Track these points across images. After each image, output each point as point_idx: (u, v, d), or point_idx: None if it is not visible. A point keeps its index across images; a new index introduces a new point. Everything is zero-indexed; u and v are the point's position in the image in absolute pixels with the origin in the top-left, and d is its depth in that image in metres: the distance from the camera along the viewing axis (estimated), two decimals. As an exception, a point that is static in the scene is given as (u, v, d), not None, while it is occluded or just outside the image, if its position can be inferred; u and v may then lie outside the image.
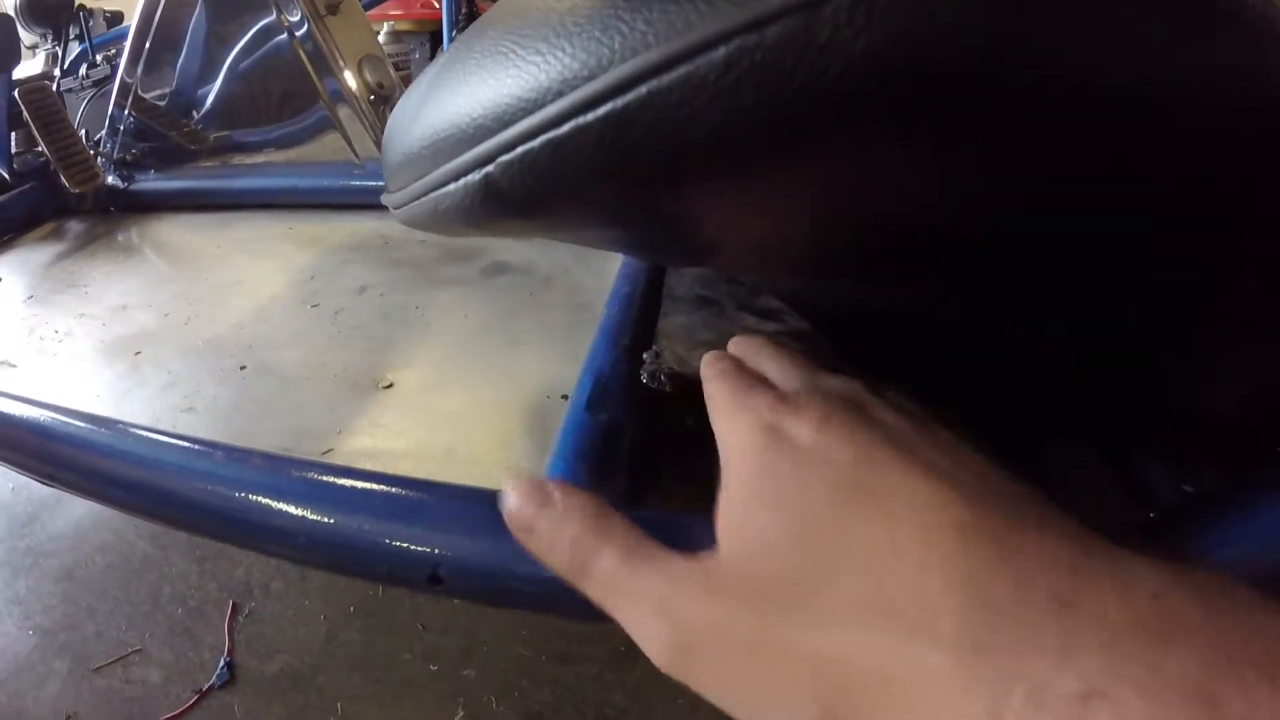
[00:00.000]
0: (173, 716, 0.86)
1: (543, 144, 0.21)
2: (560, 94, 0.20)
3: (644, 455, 0.44)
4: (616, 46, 0.19)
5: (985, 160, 0.20)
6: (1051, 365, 0.43)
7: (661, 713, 0.82)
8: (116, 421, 0.51)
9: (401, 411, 0.55)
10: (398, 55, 2.09)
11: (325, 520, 0.39)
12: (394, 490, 0.39)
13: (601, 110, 0.20)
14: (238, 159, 1.07)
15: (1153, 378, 0.40)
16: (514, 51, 0.22)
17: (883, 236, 0.27)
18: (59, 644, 0.96)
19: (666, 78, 0.18)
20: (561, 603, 0.39)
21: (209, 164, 1.08)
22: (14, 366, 0.73)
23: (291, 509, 0.41)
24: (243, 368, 0.63)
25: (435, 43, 2.02)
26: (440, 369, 0.59)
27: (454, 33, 0.96)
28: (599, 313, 0.62)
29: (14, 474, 0.90)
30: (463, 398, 0.56)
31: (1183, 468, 0.47)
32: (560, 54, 0.21)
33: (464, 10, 1.07)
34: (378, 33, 2.44)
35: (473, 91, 0.24)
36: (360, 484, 0.40)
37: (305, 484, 0.41)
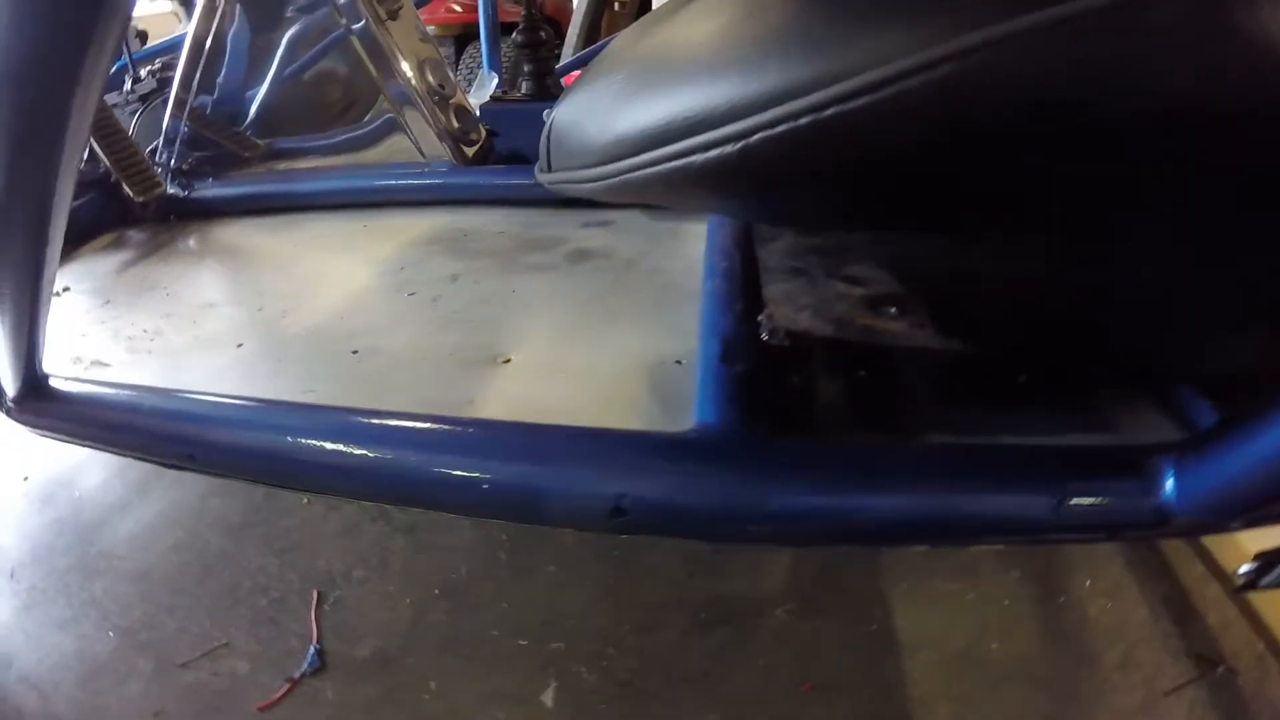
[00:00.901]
0: (266, 705, 0.90)
1: (808, 123, 0.27)
2: (828, 84, 0.26)
3: (784, 401, 0.50)
4: (878, 48, 0.25)
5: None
6: (1110, 313, 0.49)
7: (740, 674, 0.87)
8: (272, 400, 0.56)
9: (524, 382, 0.60)
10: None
11: (509, 469, 0.45)
12: (571, 438, 0.45)
13: (860, 101, 0.25)
14: (289, 164, 1.13)
15: (1191, 320, 0.47)
16: (771, 41, 0.28)
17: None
18: (140, 642, 1.00)
19: (912, 81, 0.24)
20: (724, 530, 0.45)
21: (263, 169, 1.13)
22: (107, 365, 0.77)
23: (468, 463, 0.46)
24: (354, 352, 0.69)
25: (461, 46, 2.07)
26: (551, 343, 0.64)
27: (515, 35, 1.01)
28: (684, 290, 0.68)
29: (73, 487, 0.96)
30: (579, 367, 0.61)
31: (1219, 396, 0.54)
32: (828, 49, 0.26)
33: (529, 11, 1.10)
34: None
35: (719, 76, 0.30)
36: (539, 435, 0.46)
37: (485, 439, 0.46)
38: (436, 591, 0.96)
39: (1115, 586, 1.03)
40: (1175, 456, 0.44)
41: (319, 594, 0.98)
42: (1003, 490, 0.44)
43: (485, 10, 1.43)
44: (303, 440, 0.49)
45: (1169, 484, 0.44)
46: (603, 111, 0.36)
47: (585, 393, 0.58)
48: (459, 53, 2.13)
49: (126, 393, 0.61)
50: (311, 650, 0.94)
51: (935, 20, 0.24)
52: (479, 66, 1.69)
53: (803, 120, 0.27)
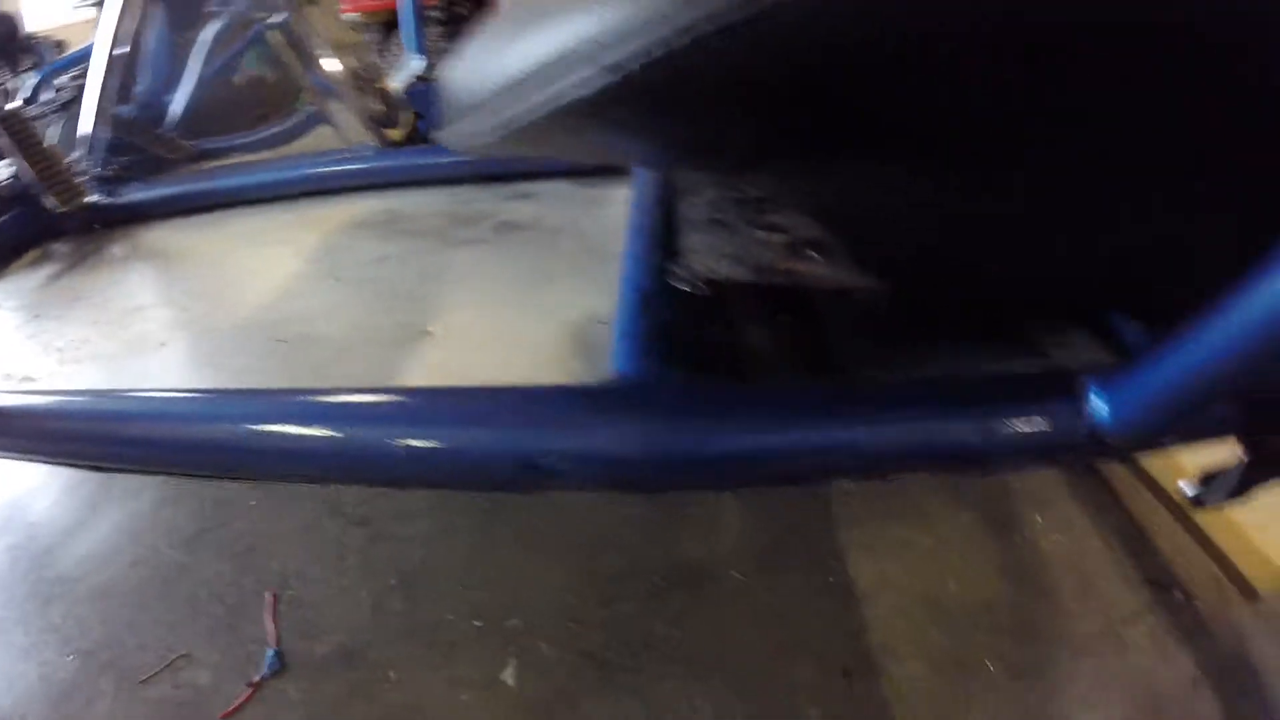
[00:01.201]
0: (229, 712, 0.90)
1: (687, 44, 0.27)
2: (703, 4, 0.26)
3: (703, 346, 0.51)
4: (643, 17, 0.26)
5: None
6: (1023, 243, 0.51)
7: (700, 636, 0.89)
8: (186, 391, 0.56)
9: (450, 351, 0.61)
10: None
11: (420, 436, 0.45)
12: (483, 398, 0.45)
13: (736, 17, 0.26)
14: (220, 163, 1.12)
15: (1107, 246, 0.49)
16: (542, 20, 0.29)
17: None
18: (101, 663, 0.99)
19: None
20: (645, 478, 0.45)
21: (189, 170, 1.12)
22: (34, 380, 0.77)
23: (386, 434, 0.46)
24: (282, 340, 0.69)
25: (388, 31, 2.06)
26: (480, 312, 0.65)
27: (413, 14, 1.01)
28: (609, 253, 0.68)
29: (26, 511, 0.95)
30: (507, 332, 0.62)
31: (1149, 320, 0.56)
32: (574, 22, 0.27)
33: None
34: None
35: (595, 7, 0.30)
36: (447, 398, 0.46)
37: (394, 408, 0.46)
38: (393, 582, 0.96)
39: (1067, 521, 1.05)
40: (1103, 379, 0.46)
41: (275, 595, 0.98)
42: (928, 419, 0.45)
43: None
44: (210, 426, 0.50)
45: (1099, 406, 0.45)
46: (488, 60, 0.37)
47: (512, 359, 0.58)
48: (387, 37, 2.11)
49: (50, 400, 0.60)
50: (270, 653, 0.93)
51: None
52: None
53: (681, 42, 0.27)
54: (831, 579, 0.94)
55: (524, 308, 0.63)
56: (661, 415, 0.42)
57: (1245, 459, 0.52)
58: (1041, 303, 0.63)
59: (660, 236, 0.61)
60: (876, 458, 0.45)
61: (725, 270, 0.55)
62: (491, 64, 0.36)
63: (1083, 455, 0.51)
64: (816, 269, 0.55)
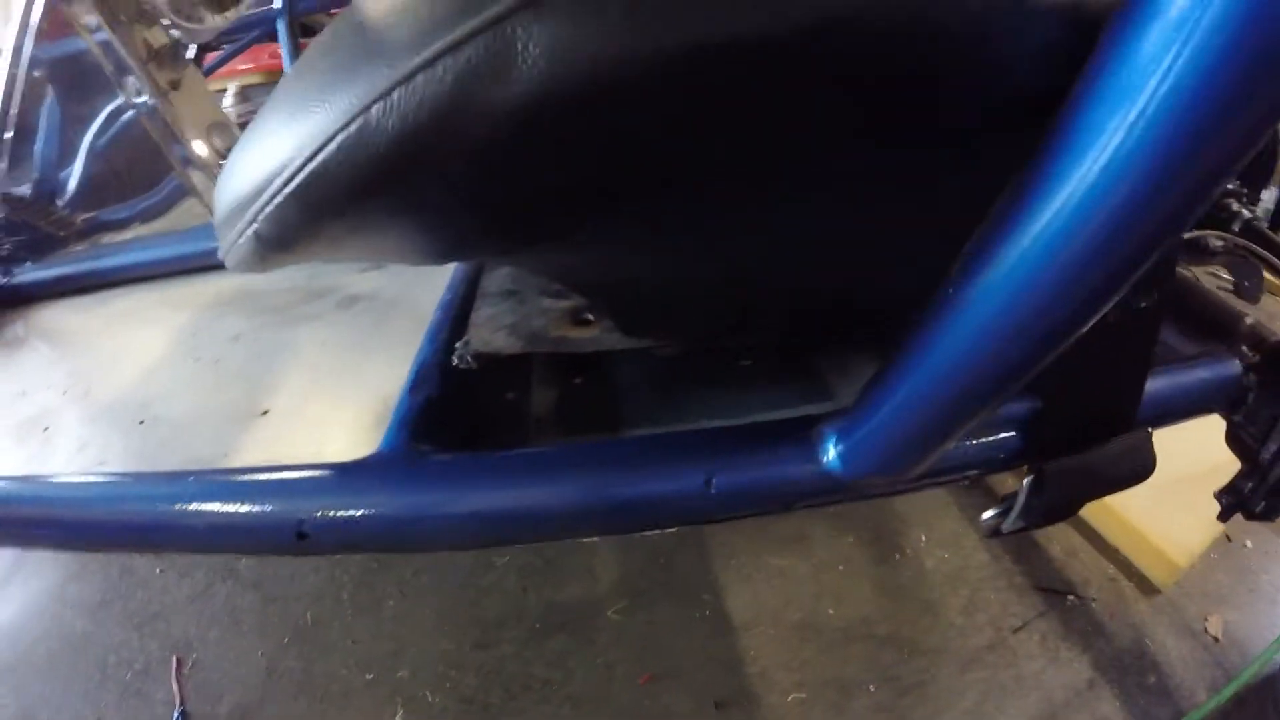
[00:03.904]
0: (138, 774, 1.01)
1: (285, 197, 0.37)
2: (288, 164, 0.36)
3: (465, 420, 0.62)
4: (312, 127, 0.35)
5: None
6: (785, 290, 0.59)
7: (580, 676, 0.99)
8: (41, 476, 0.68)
9: (278, 429, 0.72)
10: (246, 115, 2.26)
11: (213, 510, 0.56)
12: (258, 475, 0.57)
13: (308, 170, 0.35)
14: (108, 238, 1.24)
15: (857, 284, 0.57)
16: (264, 135, 0.39)
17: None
18: (16, 734, 1.10)
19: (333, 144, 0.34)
20: (391, 542, 0.56)
21: (82, 247, 1.24)
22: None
23: (189, 508, 0.58)
24: (141, 422, 0.80)
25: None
26: (307, 390, 0.76)
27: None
28: (433, 326, 0.79)
29: None
30: (327, 408, 0.73)
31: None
32: (286, 136, 0.36)
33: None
34: (222, 92, 2.62)
35: (246, 167, 0.40)
36: (232, 477, 0.58)
37: (194, 487, 0.58)
38: (286, 640, 1.07)
39: (952, 536, 1.15)
40: (836, 423, 0.52)
41: (179, 659, 1.09)
42: (651, 477, 0.53)
43: (288, 60, 1.54)
44: (52, 506, 0.61)
45: (831, 451, 0.51)
46: (223, 182, 0.43)
47: (323, 430, 0.70)
48: None
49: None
50: (176, 715, 1.04)
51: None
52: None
53: (347, 131, 0.32)
54: (709, 612, 1.05)
55: (346, 381, 0.74)
56: (395, 487, 0.53)
57: (1028, 488, 0.57)
58: (809, 339, 0.73)
59: (457, 312, 0.73)
60: (592, 517, 0.53)
61: (499, 343, 0.65)
62: (225, 182, 0.42)
63: (823, 500, 0.54)
64: (586, 334, 0.66)
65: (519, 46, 0.30)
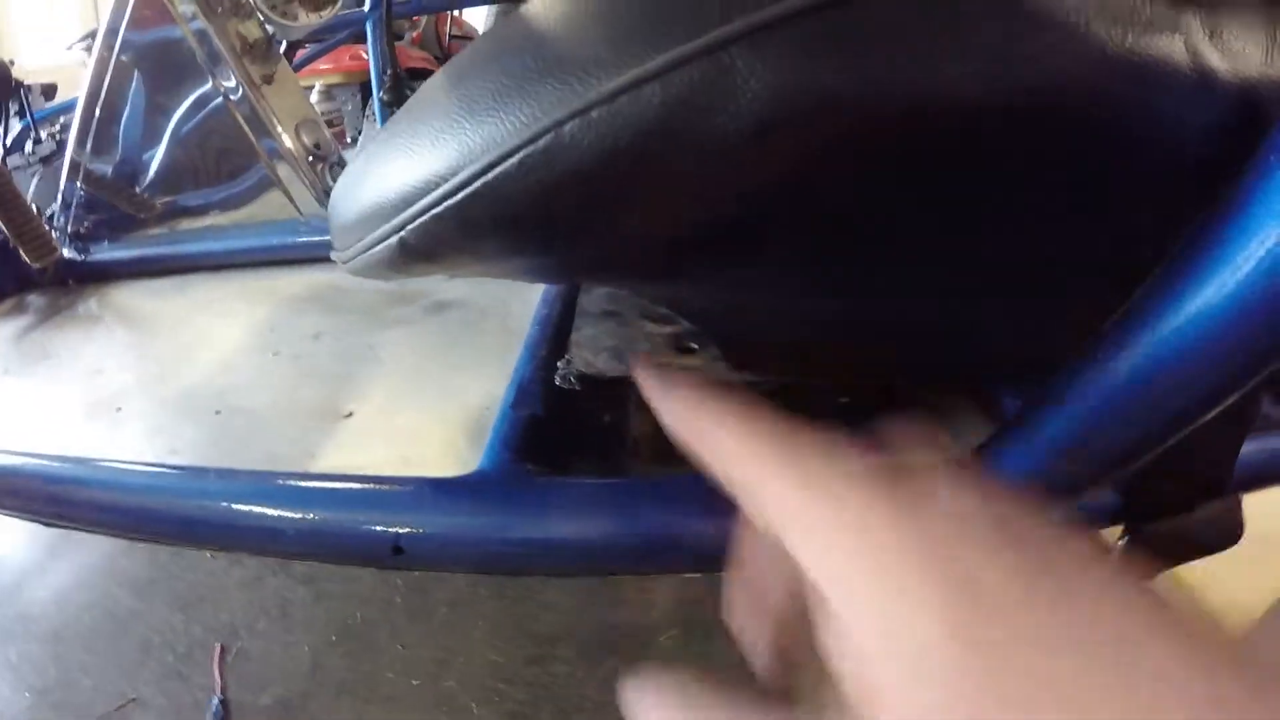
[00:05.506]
0: (171, 757, 1.00)
1: (448, 208, 0.35)
2: (451, 175, 0.34)
3: (566, 441, 0.59)
4: (483, 138, 0.33)
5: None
6: (918, 335, 0.58)
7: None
8: (115, 461, 0.66)
9: (362, 434, 0.70)
10: (330, 112, 2.27)
11: (304, 517, 0.55)
12: (357, 485, 0.55)
13: (479, 184, 0.33)
14: (186, 223, 1.23)
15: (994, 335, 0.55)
16: (415, 142, 0.37)
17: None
18: (54, 702, 1.09)
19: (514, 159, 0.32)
20: (487, 562, 0.54)
21: (160, 230, 1.23)
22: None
23: (276, 512, 0.56)
24: (217, 412, 0.79)
25: (365, 94, 2.18)
26: (393, 396, 0.74)
27: (380, 92, 1.12)
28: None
29: None
30: (414, 416, 0.71)
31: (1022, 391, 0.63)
32: (447, 145, 0.34)
33: (388, 70, 1.23)
34: (309, 89, 2.63)
35: (389, 173, 0.39)
36: (329, 484, 0.56)
37: (286, 490, 0.56)
38: (334, 638, 1.05)
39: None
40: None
41: (222, 646, 1.07)
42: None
43: (375, 61, 1.53)
44: (134, 495, 0.59)
45: None
46: (351, 186, 0.42)
47: (409, 441, 0.68)
48: (364, 101, 2.24)
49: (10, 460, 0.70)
50: (215, 702, 1.03)
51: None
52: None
53: (533, 146, 0.30)
54: (760, 647, 1.02)
55: (434, 390, 0.72)
56: (496, 509, 0.51)
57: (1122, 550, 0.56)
58: (917, 381, 0.71)
59: (556, 329, 0.71)
60: (705, 551, 0.52)
61: (602, 365, 0.63)
62: (353, 192, 0.41)
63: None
64: (690, 363, 0.63)
65: (739, 80, 0.28)
